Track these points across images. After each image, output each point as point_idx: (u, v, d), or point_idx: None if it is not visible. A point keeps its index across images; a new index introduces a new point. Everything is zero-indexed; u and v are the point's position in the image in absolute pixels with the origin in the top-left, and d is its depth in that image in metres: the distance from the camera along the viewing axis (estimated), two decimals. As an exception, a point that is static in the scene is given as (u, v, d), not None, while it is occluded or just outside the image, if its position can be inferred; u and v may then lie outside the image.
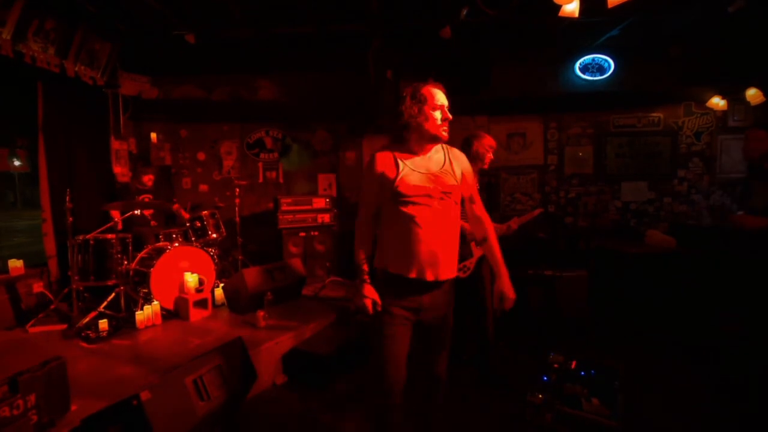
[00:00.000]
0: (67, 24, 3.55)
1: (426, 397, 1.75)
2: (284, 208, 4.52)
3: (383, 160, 1.60)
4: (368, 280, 1.59)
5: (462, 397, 2.59)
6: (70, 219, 3.21)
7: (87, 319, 3.05)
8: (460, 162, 1.69)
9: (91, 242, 3.30)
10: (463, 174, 1.67)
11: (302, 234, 4.58)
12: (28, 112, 3.55)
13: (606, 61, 4.93)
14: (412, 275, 1.56)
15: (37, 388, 1.59)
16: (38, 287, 3.46)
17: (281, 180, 5.20)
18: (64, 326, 3.08)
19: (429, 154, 1.64)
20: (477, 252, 2.68)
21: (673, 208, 5.13)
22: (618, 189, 5.20)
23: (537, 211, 2.87)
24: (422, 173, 1.59)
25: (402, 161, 1.59)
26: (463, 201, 1.72)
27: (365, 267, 1.61)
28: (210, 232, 3.90)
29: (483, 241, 1.74)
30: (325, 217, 4.68)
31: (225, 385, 1.76)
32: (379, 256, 1.64)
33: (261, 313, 3.11)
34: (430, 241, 1.55)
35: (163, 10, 3.66)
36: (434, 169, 1.61)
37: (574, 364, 2.44)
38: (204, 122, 5.05)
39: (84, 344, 2.82)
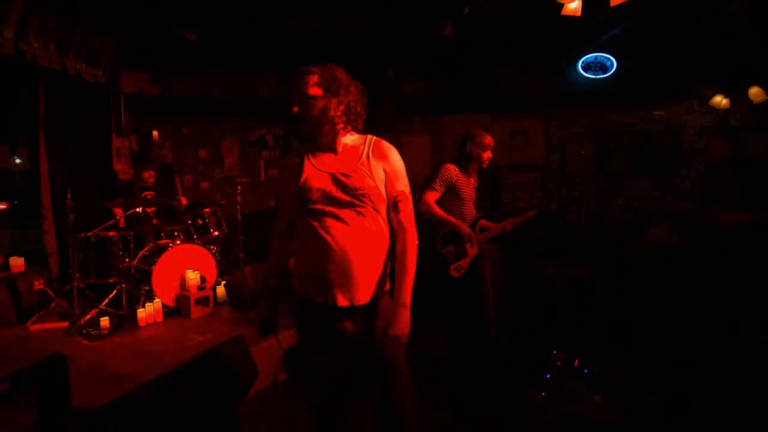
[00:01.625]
0: (69, 21, 3.54)
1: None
2: (285, 206, 4.51)
3: (292, 163, 1.37)
4: (271, 298, 1.48)
5: (462, 394, 2.59)
6: (71, 217, 3.19)
7: (88, 317, 3.04)
8: (383, 158, 1.35)
9: (93, 239, 3.28)
10: (386, 173, 1.35)
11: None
12: (29, 110, 3.54)
13: (608, 59, 4.91)
14: (319, 299, 1.30)
15: (38, 385, 1.57)
16: (39, 285, 3.44)
17: (283, 178, 5.20)
18: (65, 324, 3.07)
19: (339, 150, 1.35)
20: (471, 252, 2.67)
21: (676, 207, 5.11)
22: (620, 187, 5.19)
23: (532, 212, 2.84)
24: (328, 173, 1.31)
25: (309, 161, 1.34)
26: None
27: (272, 284, 1.48)
28: (212, 230, 3.89)
29: (396, 257, 1.40)
30: (327, 215, 4.65)
31: (226, 385, 1.76)
32: (294, 278, 1.41)
33: (262, 311, 3.10)
34: (340, 258, 1.26)
35: (164, 7, 3.65)
36: (344, 167, 1.31)
37: (576, 362, 2.44)
38: (205, 119, 5.05)
39: (85, 342, 2.80)
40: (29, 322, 3.09)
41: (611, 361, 2.46)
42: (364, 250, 1.29)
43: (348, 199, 1.28)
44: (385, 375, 1.37)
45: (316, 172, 1.32)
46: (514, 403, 2.39)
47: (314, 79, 1.30)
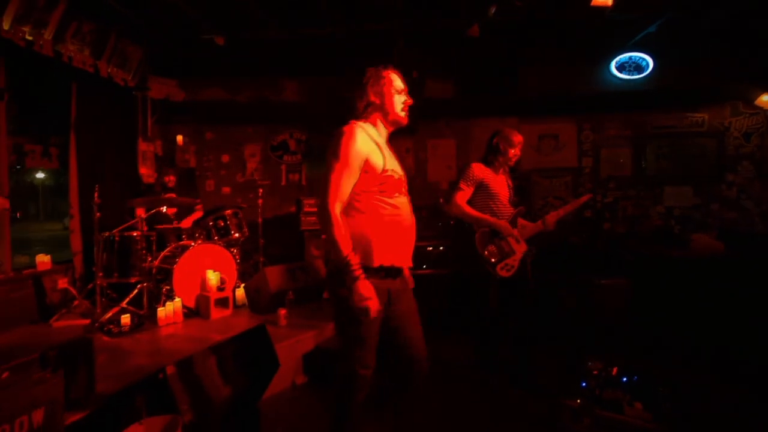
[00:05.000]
0: (103, 27, 3.80)
1: (404, 387, 1.71)
2: (307, 209, 4.58)
3: (366, 141, 1.53)
4: (363, 277, 1.46)
5: (492, 399, 2.53)
6: (98, 214, 3.34)
7: (109, 314, 3.14)
8: None
9: (116, 238, 3.42)
10: None
11: (324, 236, 4.61)
12: (62, 111, 3.78)
13: (644, 59, 4.85)
14: (399, 263, 1.59)
15: (65, 364, 1.63)
16: (63, 283, 3.59)
17: (304, 182, 5.30)
18: (87, 321, 3.17)
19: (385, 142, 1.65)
20: (519, 249, 2.63)
21: (722, 215, 4.90)
22: (660, 193, 5.03)
23: (585, 197, 2.76)
24: (397, 161, 1.63)
25: (379, 146, 1.57)
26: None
27: (354, 262, 1.47)
28: (233, 232, 3.98)
29: None
30: (348, 220, 4.69)
31: (248, 370, 1.77)
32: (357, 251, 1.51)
33: (282, 311, 3.12)
34: (409, 230, 1.62)
35: (192, 13, 3.86)
36: (397, 159, 1.65)
37: (615, 371, 2.38)
38: (229, 124, 5.23)
39: (106, 338, 2.89)
40: (52, 318, 3.21)
41: (652, 371, 2.38)
42: (414, 224, 1.66)
43: (406, 183, 1.63)
44: (419, 326, 1.73)
45: (392, 160, 1.59)
46: (545, 411, 2.32)
47: None
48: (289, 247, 4.72)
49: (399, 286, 1.63)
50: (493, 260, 2.60)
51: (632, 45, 4.71)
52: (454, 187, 2.74)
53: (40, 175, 22.94)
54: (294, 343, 2.84)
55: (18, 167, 3.62)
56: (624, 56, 4.86)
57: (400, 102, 1.62)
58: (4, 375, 1.19)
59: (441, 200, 4.41)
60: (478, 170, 2.66)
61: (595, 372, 2.37)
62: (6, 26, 2.95)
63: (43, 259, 3.55)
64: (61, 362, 1.60)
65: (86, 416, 1.62)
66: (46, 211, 22.03)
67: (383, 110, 1.62)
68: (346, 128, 1.54)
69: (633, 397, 2.15)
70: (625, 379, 2.29)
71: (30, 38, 3.15)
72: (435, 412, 2.36)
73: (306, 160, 5.29)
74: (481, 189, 2.66)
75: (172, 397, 1.37)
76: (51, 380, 1.17)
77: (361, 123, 1.58)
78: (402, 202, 1.60)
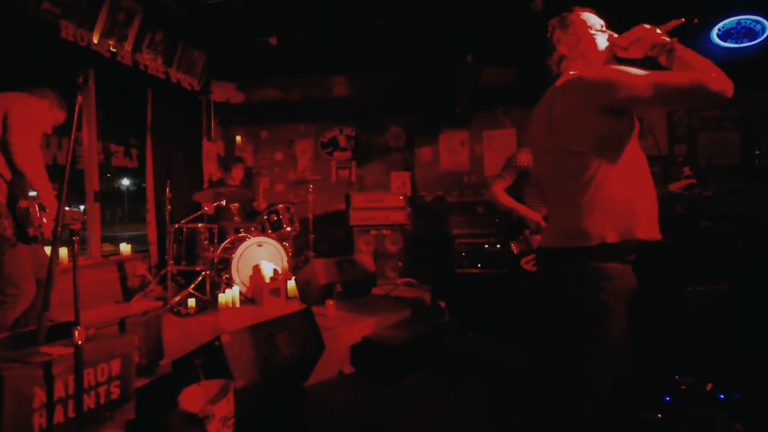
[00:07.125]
0: (172, 37, 4.30)
1: None
2: (356, 204, 4.75)
3: None
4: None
5: (541, 409, 2.46)
6: (169, 208, 3.79)
7: (178, 298, 3.56)
8: None
9: (184, 229, 3.84)
10: None
11: (374, 232, 4.75)
12: (139, 115, 4.33)
13: (758, 22, 4.17)
14: (649, 236, 1.27)
15: (139, 331, 1.92)
16: (141, 269, 4.14)
17: (353, 179, 5.50)
18: (160, 303, 3.62)
19: None
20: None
21: None
22: (779, 185, 4.39)
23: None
24: None
25: None
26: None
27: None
28: (285, 225, 4.28)
29: None
30: (398, 216, 4.79)
31: (296, 347, 1.94)
32: (612, 220, 1.25)
33: (330, 302, 3.31)
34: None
35: (248, 17, 4.21)
36: None
37: (709, 386, 2.21)
38: (282, 123, 5.60)
39: (175, 318, 3.32)
40: (132, 300, 3.72)
41: (759, 390, 2.17)
42: None
43: None
44: None
45: None
46: (613, 424, 2.21)
47: None
48: (338, 244, 4.94)
49: None
50: (516, 252, 2.56)
51: (741, 6, 4.10)
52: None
53: (125, 181, 26.12)
54: (341, 333, 3.00)
55: (108, 175, 4.23)
56: (729, 21, 4.20)
57: (603, 42, 1.37)
58: (91, 330, 1.46)
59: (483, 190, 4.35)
60: (523, 158, 2.59)
61: (683, 386, 2.24)
62: (95, 40, 3.48)
63: (125, 248, 4.12)
64: (135, 329, 1.89)
65: (154, 380, 1.90)
66: (130, 215, 24.98)
67: (584, 58, 1.38)
68: (569, 76, 1.34)
69: (732, 417, 2.00)
70: (722, 396, 2.15)
71: (114, 50, 3.68)
72: (482, 415, 2.37)
73: (355, 157, 5.49)
74: (526, 178, 2.60)
75: (226, 364, 1.57)
76: (126, 337, 1.42)
77: None
78: None
